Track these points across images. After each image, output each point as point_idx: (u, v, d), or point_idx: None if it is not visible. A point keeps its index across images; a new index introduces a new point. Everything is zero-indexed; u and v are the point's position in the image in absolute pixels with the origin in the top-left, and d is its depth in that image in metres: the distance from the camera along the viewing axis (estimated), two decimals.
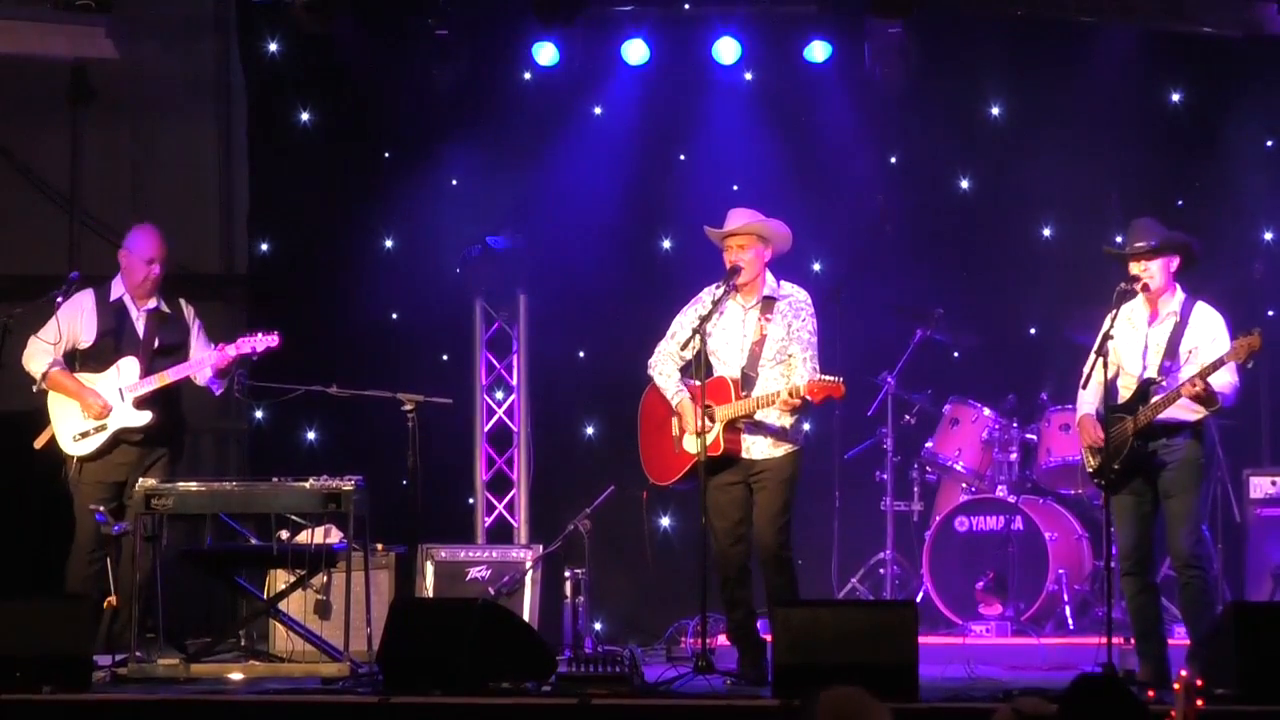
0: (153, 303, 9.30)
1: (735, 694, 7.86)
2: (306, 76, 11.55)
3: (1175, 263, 8.29)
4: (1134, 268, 8.30)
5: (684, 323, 8.60)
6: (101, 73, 11.68)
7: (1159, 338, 8.29)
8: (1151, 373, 8.23)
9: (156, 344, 9.25)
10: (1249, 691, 7.21)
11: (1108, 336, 8.18)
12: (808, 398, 8.14)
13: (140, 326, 9.26)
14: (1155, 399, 8.14)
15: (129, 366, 9.16)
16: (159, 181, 11.77)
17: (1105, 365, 8.11)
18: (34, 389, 9.19)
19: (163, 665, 8.36)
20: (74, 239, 11.48)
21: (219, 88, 11.89)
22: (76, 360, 9.21)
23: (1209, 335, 8.20)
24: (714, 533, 8.43)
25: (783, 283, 8.57)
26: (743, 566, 8.41)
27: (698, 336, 8.41)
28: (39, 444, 9.20)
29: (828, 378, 8.17)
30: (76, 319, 9.19)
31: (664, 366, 8.58)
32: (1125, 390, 8.31)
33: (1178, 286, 8.34)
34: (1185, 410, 8.13)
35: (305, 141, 11.61)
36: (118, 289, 9.30)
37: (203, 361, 9.17)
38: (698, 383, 8.38)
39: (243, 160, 11.80)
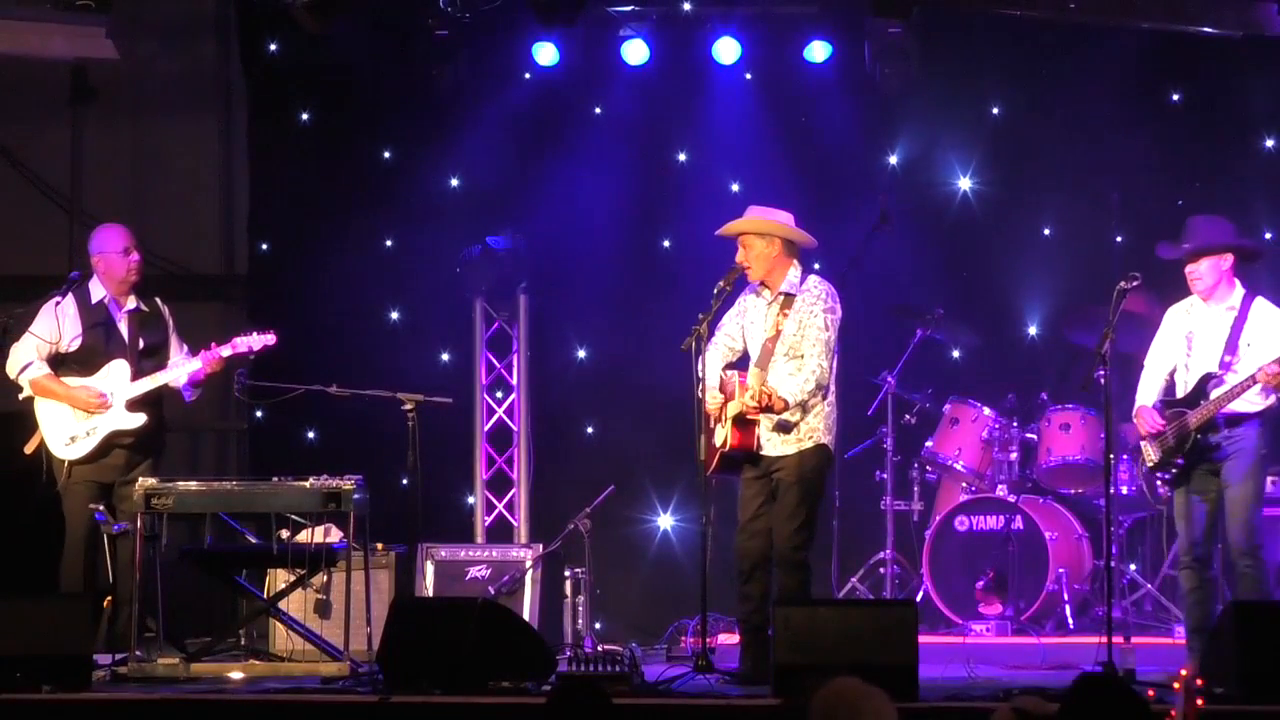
0: (133, 303, 9.25)
1: (735, 693, 7.85)
2: (306, 76, 11.56)
3: (1228, 261, 8.38)
4: (1187, 268, 8.43)
5: (722, 320, 8.59)
6: (101, 73, 11.68)
7: (1217, 333, 8.40)
8: (1210, 367, 8.31)
9: (141, 345, 9.20)
10: (1249, 691, 7.21)
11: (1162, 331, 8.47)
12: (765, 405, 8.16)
13: (124, 328, 9.19)
14: (1218, 393, 8.28)
15: (119, 369, 9.09)
16: (159, 181, 11.78)
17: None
18: (19, 396, 9.15)
19: (163, 664, 8.36)
20: (74, 239, 11.45)
21: (219, 88, 11.89)
22: (59, 365, 9.11)
23: (1267, 329, 8.32)
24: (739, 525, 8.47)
25: (809, 276, 8.49)
26: (756, 562, 8.35)
27: (721, 331, 8.48)
28: (29, 450, 9.17)
29: (748, 401, 8.17)
30: (62, 322, 9.08)
31: (706, 357, 8.47)
32: (1184, 385, 8.46)
33: (1237, 282, 8.46)
34: (1247, 402, 8.24)
35: (305, 141, 11.63)
36: (98, 291, 9.18)
37: (186, 364, 9.14)
38: (727, 374, 8.41)
39: (243, 160, 11.81)
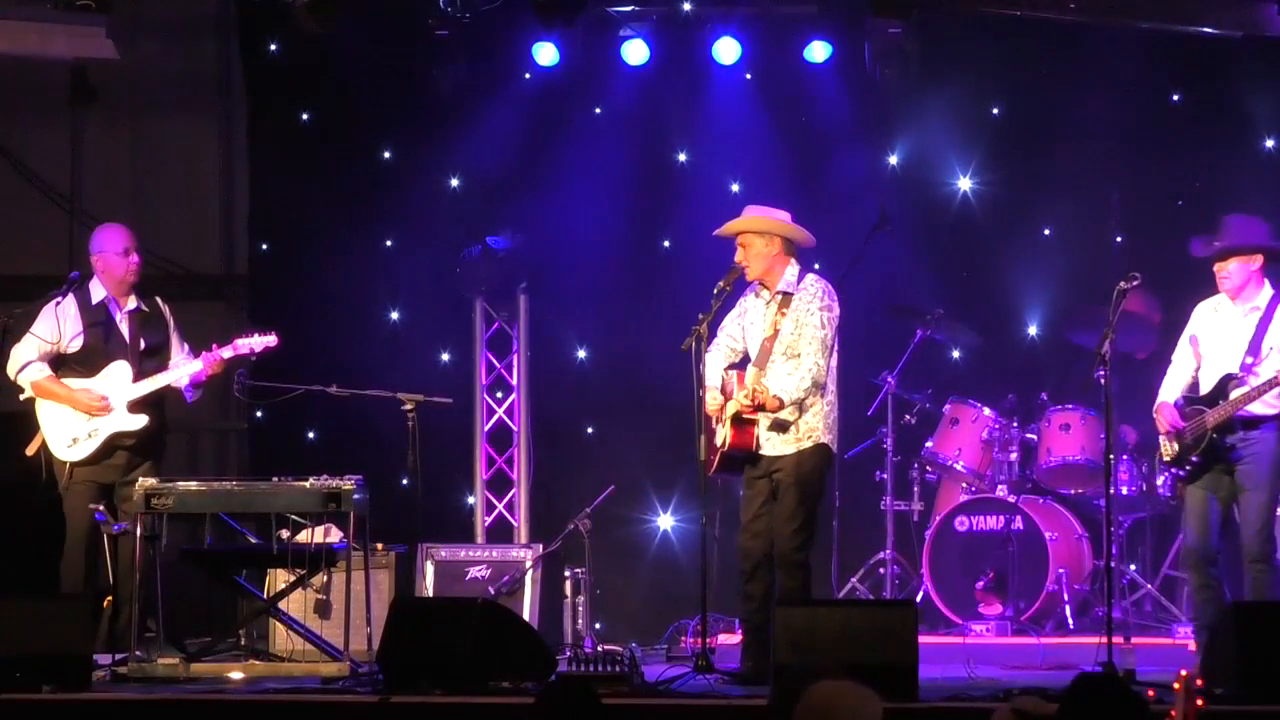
0: (133, 303, 9.24)
1: (735, 693, 7.85)
2: (306, 76, 11.56)
3: (1257, 262, 8.38)
4: (1216, 266, 8.42)
5: (724, 321, 8.61)
6: (101, 73, 11.67)
7: (1242, 333, 8.39)
8: (1232, 367, 8.30)
9: (142, 345, 9.19)
10: (1249, 691, 7.21)
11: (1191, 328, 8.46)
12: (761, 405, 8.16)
13: (125, 329, 9.17)
14: (1236, 394, 8.26)
15: (120, 370, 9.07)
16: (159, 181, 11.78)
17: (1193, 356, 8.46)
18: (20, 397, 9.14)
19: (163, 665, 8.36)
20: (74, 239, 11.45)
21: (219, 88, 11.90)
22: (60, 365, 9.09)
23: None
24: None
25: (806, 275, 8.49)
26: (758, 562, 8.35)
27: (723, 332, 8.50)
28: (30, 451, 9.16)
29: (742, 400, 8.18)
30: (63, 322, 9.06)
31: (708, 358, 8.49)
32: (1206, 383, 8.44)
33: (1266, 283, 8.44)
34: (1265, 404, 8.23)
35: (305, 141, 11.62)
36: (98, 292, 9.17)
37: (187, 365, 9.13)
38: (728, 375, 8.41)
39: (243, 160, 11.81)
